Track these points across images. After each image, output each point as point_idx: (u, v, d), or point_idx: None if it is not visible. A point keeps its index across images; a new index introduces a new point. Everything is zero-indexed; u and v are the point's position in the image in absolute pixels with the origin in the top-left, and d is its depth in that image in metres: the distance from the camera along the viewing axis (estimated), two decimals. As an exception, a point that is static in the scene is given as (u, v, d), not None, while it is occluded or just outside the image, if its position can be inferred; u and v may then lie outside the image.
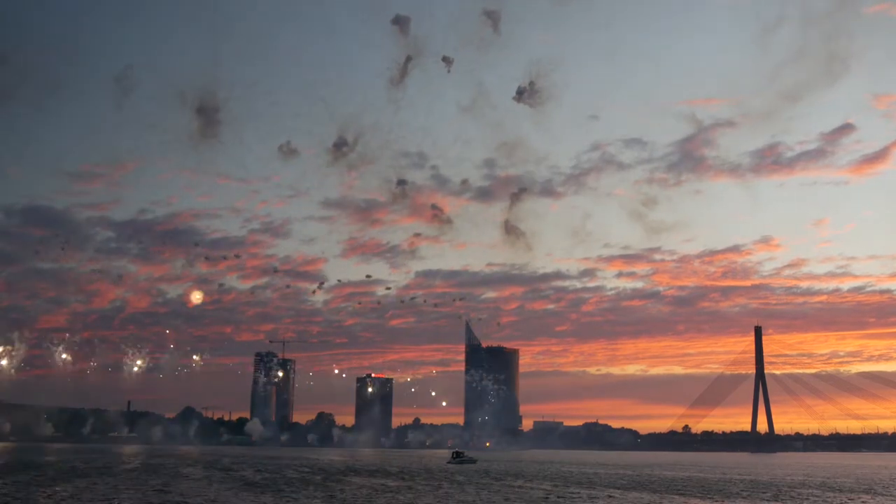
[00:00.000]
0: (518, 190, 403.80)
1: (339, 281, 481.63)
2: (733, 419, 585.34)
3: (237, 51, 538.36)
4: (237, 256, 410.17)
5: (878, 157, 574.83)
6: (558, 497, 72.30)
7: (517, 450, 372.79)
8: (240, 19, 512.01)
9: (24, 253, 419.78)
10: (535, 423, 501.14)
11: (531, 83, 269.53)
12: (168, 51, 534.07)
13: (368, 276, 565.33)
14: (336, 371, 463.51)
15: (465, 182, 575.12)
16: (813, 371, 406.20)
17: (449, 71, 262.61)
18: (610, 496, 74.00)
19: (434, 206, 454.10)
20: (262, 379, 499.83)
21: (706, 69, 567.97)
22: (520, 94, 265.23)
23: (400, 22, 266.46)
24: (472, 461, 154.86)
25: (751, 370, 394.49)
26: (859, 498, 77.12)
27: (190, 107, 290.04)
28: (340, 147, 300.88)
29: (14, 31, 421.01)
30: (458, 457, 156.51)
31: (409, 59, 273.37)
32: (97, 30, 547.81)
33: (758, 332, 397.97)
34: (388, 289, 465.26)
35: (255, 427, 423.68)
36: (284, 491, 75.45)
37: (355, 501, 66.60)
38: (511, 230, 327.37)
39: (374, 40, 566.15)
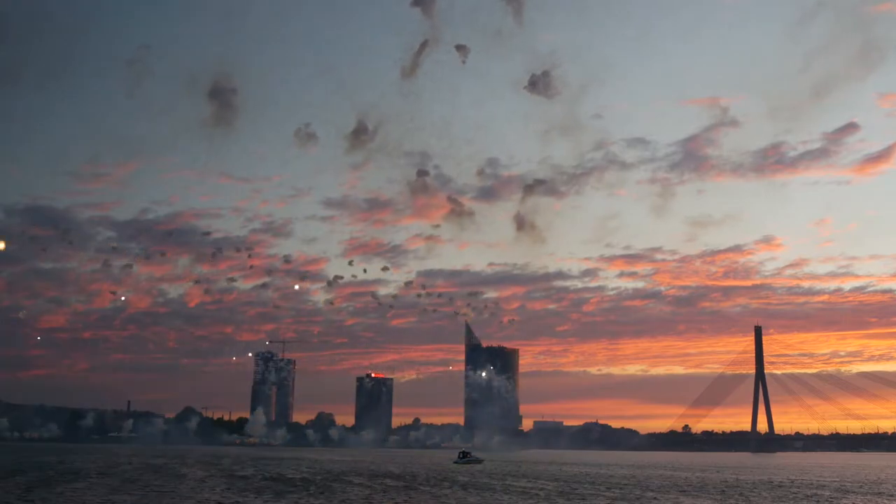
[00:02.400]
0: (525, 187, 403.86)
1: (353, 277, 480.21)
2: (734, 419, 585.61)
3: (252, 33, 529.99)
4: (248, 250, 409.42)
5: (881, 156, 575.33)
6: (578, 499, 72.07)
7: (517, 450, 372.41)
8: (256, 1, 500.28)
9: (25, 253, 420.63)
10: (536, 423, 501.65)
11: (545, 73, 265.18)
12: (181, 35, 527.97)
13: (386, 268, 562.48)
14: (336, 370, 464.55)
15: (468, 181, 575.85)
16: (814, 371, 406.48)
17: (464, 62, 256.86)
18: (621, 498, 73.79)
19: (451, 200, 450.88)
20: (263, 379, 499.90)
21: (711, 68, 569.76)
22: (532, 85, 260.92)
23: (421, 4, 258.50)
24: (479, 461, 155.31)
25: (751, 370, 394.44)
26: (872, 500, 76.93)
27: (203, 92, 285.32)
28: (360, 135, 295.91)
29: (16, 8, 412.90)
30: (464, 457, 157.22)
31: (425, 44, 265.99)
32: (107, 12, 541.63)
33: (758, 332, 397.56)
34: (409, 283, 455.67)
35: (256, 423, 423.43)
36: (285, 491, 75.27)
37: (363, 502, 66.40)
38: (523, 226, 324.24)
39: (394, 23, 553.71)
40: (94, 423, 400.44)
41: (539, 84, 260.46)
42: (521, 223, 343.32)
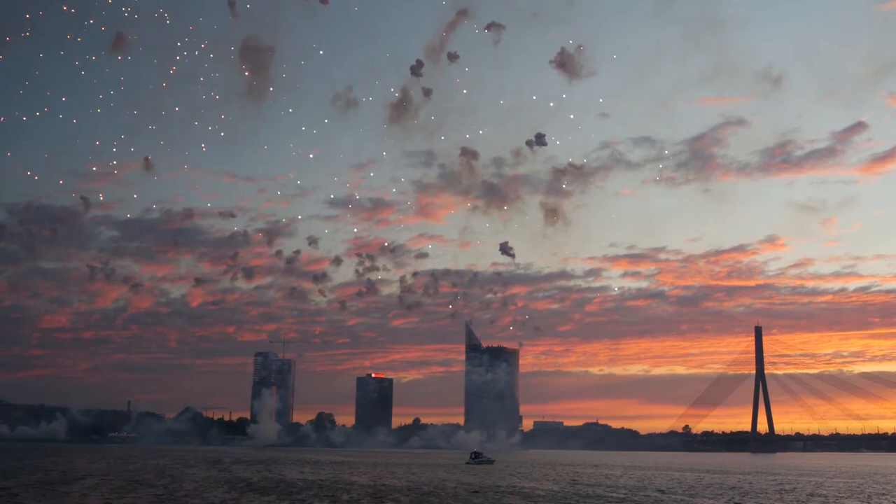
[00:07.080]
0: (530, 186, 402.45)
1: (356, 276, 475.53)
2: (734, 419, 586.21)
3: None
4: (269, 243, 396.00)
5: (888, 155, 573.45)
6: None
7: (517, 450, 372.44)
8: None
9: (27, 252, 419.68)
10: (536, 423, 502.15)
11: (574, 51, 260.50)
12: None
13: (388, 268, 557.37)
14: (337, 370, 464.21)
15: (472, 180, 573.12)
16: (815, 371, 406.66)
17: (496, 43, 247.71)
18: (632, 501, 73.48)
19: (455, 199, 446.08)
20: (263, 379, 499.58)
21: (716, 67, 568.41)
22: (561, 65, 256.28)
23: None
24: (490, 461, 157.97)
25: (752, 370, 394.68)
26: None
27: (238, 60, 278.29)
28: (401, 110, 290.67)
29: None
30: (476, 457, 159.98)
31: (460, 13, 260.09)
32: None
33: (758, 333, 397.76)
34: (411, 283, 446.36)
35: (260, 424, 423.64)
36: (285, 492, 75.00)
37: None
38: (528, 225, 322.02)
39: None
40: (94, 423, 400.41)
41: (567, 63, 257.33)
42: (526, 223, 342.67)
